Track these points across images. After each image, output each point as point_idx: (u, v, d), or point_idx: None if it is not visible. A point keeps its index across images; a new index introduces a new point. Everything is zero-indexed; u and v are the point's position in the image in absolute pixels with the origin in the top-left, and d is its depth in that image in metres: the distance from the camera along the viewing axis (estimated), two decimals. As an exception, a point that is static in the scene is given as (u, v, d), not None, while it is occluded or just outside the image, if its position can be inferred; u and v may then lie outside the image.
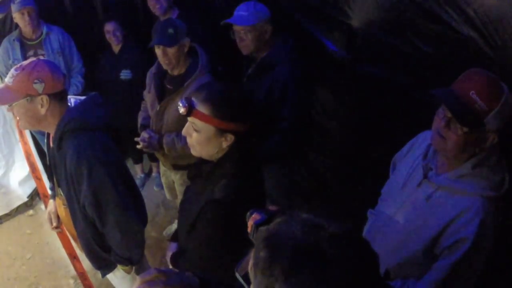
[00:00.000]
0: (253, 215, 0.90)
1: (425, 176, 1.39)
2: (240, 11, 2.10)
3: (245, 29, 2.08)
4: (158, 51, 2.16)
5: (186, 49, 2.19)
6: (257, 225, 0.86)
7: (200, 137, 1.37)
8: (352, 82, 2.29)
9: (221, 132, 1.35)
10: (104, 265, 1.90)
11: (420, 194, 1.38)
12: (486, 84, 1.20)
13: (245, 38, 2.11)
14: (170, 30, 2.10)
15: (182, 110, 1.34)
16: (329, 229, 0.72)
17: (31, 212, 3.45)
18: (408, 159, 1.52)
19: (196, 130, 1.36)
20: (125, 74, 3.08)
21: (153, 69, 2.37)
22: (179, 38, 2.13)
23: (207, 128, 1.35)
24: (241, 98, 1.43)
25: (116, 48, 3.19)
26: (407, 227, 1.41)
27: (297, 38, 2.21)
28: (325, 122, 2.55)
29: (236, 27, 2.12)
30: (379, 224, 1.57)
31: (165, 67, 2.23)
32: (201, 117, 1.33)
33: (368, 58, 2.14)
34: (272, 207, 0.88)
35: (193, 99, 1.35)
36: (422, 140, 1.50)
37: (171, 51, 2.13)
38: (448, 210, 1.30)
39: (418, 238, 1.36)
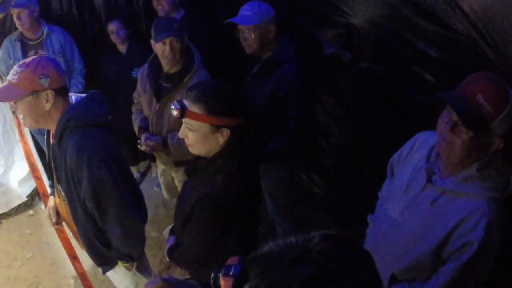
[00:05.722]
0: (222, 281, 0.73)
1: (429, 180, 1.37)
2: (244, 11, 2.11)
3: (249, 29, 2.09)
4: (164, 46, 2.15)
5: (185, 45, 2.21)
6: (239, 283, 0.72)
7: (197, 136, 1.40)
8: (352, 82, 2.30)
9: (216, 128, 1.38)
10: (105, 261, 1.91)
11: (425, 199, 1.37)
12: (494, 88, 1.18)
13: (248, 38, 2.11)
14: (175, 25, 2.15)
15: (175, 113, 1.36)
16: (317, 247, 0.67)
17: (31, 212, 3.45)
18: (409, 162, 1.50)
19: (191, 130, 1.39)
20: (136, 72, 3.04)
21: (145, 70, 2.37)
22: (183, 33, 2.16)
23: (202, 127, 1.38)
24: (231, 92, 1.45)
25: (121, 47, 3.19)
26: (412, 232, 1.40)
27: (298, 38, 2.22)
28: (326, 122, 2.56)
29: (240, 27, 2.13)
30: (381, 229, 1.55)
31: (167, 64, 2.22)
32: (195, 116, 1.36)
33: (367, 58, 2.15)
34: (230, 260, 0.74)
35: (184, 100, 1.38)
36: (421, 142, 1.48)
37: (177, 45, 2.14)
38: (454, 214, 1.29)
39: (424, 242, 1.35)
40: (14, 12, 2.88)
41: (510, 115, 1.17)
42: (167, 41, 2.13)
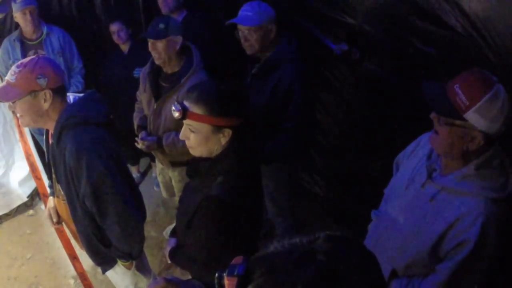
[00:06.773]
0: (226, 281, 0.73)
1: (429, 177, 1.39)
2: (245, 11, 2.11)
3: (250, 29, 2.09)
4: (149, 45, 2.23)
5: (177, 46, 2.22)
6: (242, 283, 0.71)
7: (198, 138, 1.39)
8: (353, 82, 2.30)
9: (218, 128, 1.38)
10: (105, 261, 1.91)
11: (424, 195, 1.38)
12: (473, 80, 1.21)
13: (249, 38, 2.11)
14: (161, 25, 2.18)
15: (176, 114, 1.36)
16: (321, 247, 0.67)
17: (31, 212, 3.45)
18: (412, 160, 1.52)
19: (193, 132, 1.39)
20: (138, 72, 3.05)
21: (146, 69, 2.40)
22: (169, 33, 2.18)
23: (204, 128, 1.37)
24: (232, 92, 1.45)
25: (124, 47, 3.20)
26: (411, 228, 1.41)
27: (298, 38, 2.22)
28: (326, 122, 2.57)
29: (241, 27, 2.12)
30: (383, 225, 1.57)
31: (156, 62, 2.27)
32: (197, 117, 1.36)
33: (367, 57, 2.15)
34: (235, 260, 0.75)
35: (185, 102, 1.38)
36: (425, 141, 1.50)
37: (159, 44, 2.19)
38: (451, 211, 1.30)
39: (422, 239, 1.36)
40: (27, 11, 2.89)
41: (485, 109, 1.18)
42: (150, 40, 2.20)
